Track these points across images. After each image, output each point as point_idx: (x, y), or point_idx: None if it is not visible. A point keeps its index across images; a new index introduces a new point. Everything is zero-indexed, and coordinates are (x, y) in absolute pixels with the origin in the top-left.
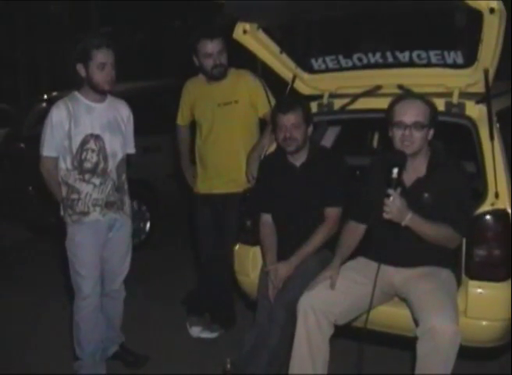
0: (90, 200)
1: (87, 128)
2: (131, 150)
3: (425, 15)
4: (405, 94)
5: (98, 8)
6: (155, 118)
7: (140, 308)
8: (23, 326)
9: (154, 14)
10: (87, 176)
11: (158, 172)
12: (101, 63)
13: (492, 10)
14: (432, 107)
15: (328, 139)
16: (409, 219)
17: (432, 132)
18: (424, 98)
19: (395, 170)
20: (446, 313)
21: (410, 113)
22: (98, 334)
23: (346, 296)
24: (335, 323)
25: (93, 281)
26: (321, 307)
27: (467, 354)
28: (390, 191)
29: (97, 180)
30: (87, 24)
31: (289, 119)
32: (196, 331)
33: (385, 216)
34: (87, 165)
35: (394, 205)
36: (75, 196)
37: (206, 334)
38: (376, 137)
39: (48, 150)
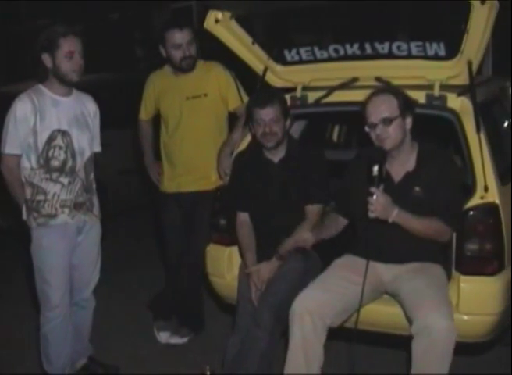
0: (58, 201)
1: (53, 123)
2: (97, 148)
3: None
4: (372, 92)
5: (28, 2)
6: (101, 112)
7: (100, 314)
8: None
9: (90, 7)
10: (54, 176)
11: (106, 169)
12: (69, 52)
13: (483, 1)
14: (402, 96)
15: (294, 133)
16: (395, 215)
17: (409, 120)
18: (391, 90)
19: (375, 168)
20: (441, 310)
21: (375, 112)
22: (68, 347)
23: (340, 297)
24: (330, 326)
25: (62, 290)
26: (318, 310)
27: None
28: (373, 189)
29: (65, 180)
30: (14, 18)
31: (268, 113)
32: (164, 337)
33: (371, 214)
34: (55, 163)
35: (378, 203)
36: (41, 197)
37: (175, 340)
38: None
39: (10, 147)
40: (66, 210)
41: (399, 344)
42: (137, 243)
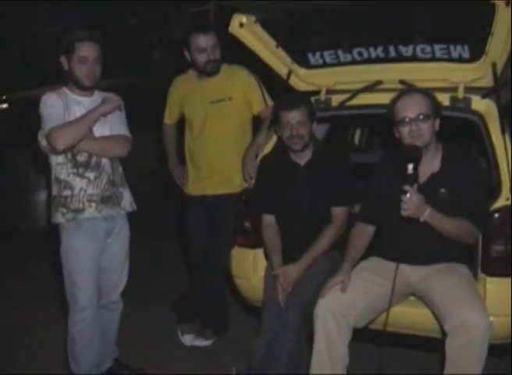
0: (85, 195)
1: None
2: (120, 131)
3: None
4: (403, 90)
5: (45, 6)
6: None
7: (126, 317)
8: (8, 341)
9: (108, 12)
10: (80, 170)
11: (126, 172)
12: (83, 57)
13: (508, 3)
14: (433, 97)
15: (318, 135)
16: (428, 214)
17: (438, 122)
18: (423, 90)
19: (410, 166)
20: (477, 306)
21: (412, 107)
22: (95, 349)
23: (364, 297)
24: (354, 326)
25: (90, 292)
26: (341, 310)
27: None
28: (407, 188)
29: (91, 174)
30: (34, 23)
31: (295, 116)
32: (188, 339)
33: (403, 212)
34: (80, 158)
35: (412, 202)
36: (68, 192)
37: (200, 342)
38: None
39: (52, 125)
40: (93, 204)
41: (424, 345)
42: (161, 245)
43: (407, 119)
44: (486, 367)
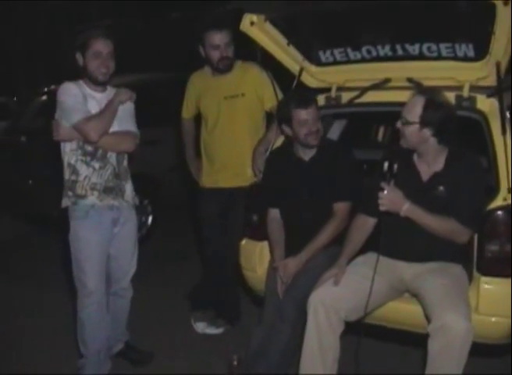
0: (89, 183)
1: (91, 111)
2: (126, 127)
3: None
4: (417, 90)
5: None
6: (155, 110)
7: (142, 303)
8: (24, 322)
9: (153, 6)
10: (88, 159)
11: (158, 165)
12: (97, 51)
13: (506, 2)
14: (429, 108)
15: (334, 132)
16: (406, 209)
17: (427, 132)
18: (429, 96)
19: (385, 164)
20: (459, 310)
21: (404, 109)
22: (104, 332)
23: (356, 292)
24: (345, 320)
25: (97, 277)
26: (332, 303)
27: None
28: (382, 184)
29: (96, 164)
30: (86, 16)
31: (311, 113)
32: (201, 327)
33: (381, 208)
34: (88, 147)
35: (386, 198)
36: (74, 177)
37: (211, 330)
38: (381, 130)
39: (79, 114)
40: (96, 193)
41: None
42: (181, 235)
43: (400, 119)
44: (486, 367)
